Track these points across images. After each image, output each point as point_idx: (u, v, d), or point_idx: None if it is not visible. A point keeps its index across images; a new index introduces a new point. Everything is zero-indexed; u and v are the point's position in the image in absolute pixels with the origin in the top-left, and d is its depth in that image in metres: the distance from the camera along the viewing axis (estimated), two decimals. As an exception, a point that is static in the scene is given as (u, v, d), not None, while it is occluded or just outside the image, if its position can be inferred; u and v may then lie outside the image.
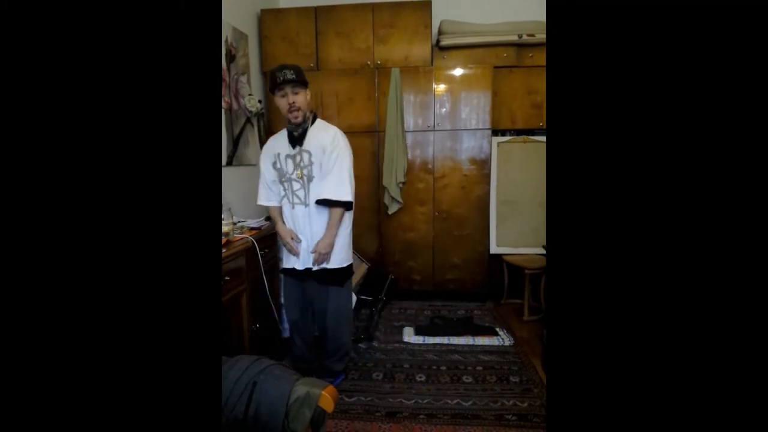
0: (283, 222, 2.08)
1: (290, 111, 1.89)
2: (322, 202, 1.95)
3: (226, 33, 2.74)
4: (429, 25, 3.20)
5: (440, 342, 2.67)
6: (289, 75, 1.84)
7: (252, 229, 2.21)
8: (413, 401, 2.04)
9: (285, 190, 2.01)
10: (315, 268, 2.01)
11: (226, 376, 1.18)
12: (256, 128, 3.17)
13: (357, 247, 3.41)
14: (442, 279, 3.41)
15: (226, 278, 1.82)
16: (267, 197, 2.10)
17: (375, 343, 2.67)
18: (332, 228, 1.97)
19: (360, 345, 2.64)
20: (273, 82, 1.88)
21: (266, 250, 2.24)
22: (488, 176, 3.31)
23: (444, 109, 3.25)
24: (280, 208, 2.09)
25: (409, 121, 3.27)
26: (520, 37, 3.21)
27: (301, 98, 1.89)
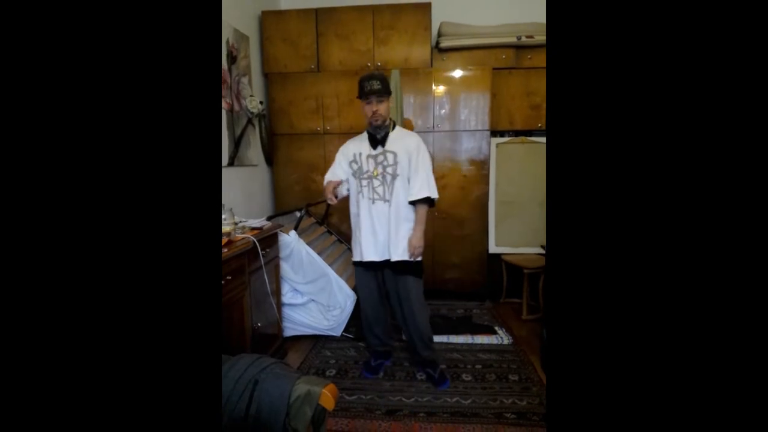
0: (353, 216, 2.24)
1: (373, 117, 2.09)
2: (415, 202, 2.11)
3: (227, 34, 2.75)
4: (429, 27, 3.21)
5: (440, 341, 2.68)
6: (376, 86, 2.03)
7: (253, 229, 2.23)
8: (413, 399, 2.06)
9: (363, 187, 2.15)
10: (395, 259, 2.13)
11: (227, 375, 1.18)
12: (257, 129, 3.19)
13: (357, 247, 3.43)
14: (442, 278, 3.43)
15: (228, 278, 1.84)
16: (330, 176, 2.24)
17: (375, 342, 2.70)
18: (421, 223, 2.14)
19: (360, 344, 2.67)
20: (361, 91, 2.07)
21: (267, 250, 2.26)
22: (487, 177, 3.32)
23: (443, 111, 3.27)
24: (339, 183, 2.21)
25: (409, 122, 3.29)
26: (518, 38, 3.23)
27: (384, 107, 2.10)
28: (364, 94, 2.06)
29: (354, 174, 2.18)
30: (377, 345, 2.37)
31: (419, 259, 2.18)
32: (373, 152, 2.15)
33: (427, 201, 2.13)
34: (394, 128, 2.19)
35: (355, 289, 2.72)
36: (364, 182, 2.15)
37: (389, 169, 2.12)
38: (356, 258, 2.24)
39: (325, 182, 2.22)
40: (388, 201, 2.12)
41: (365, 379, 2.27)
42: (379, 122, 2.09)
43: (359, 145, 2.20)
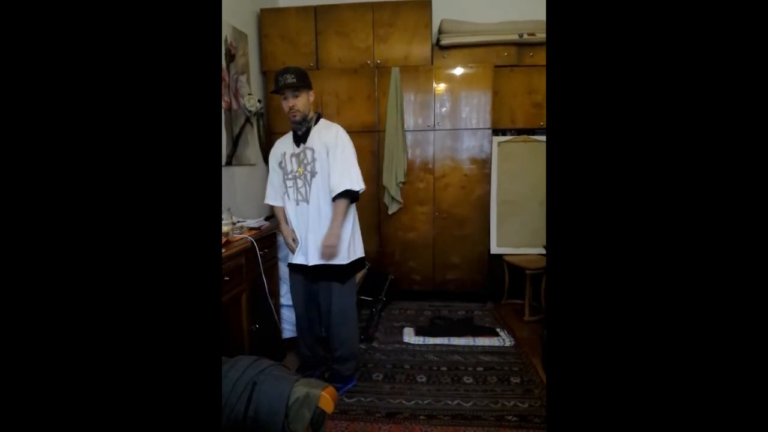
0: (287, 221, 2.16)
1: (290, 113, 1.99)
2: (337, 197, 1.97)
3: (225, 32, 2.73)
4: (429, 25, 3.19)
5: (440, 343, 2.66)
6: (290, 79, 1.92)
7: (251, 229, 2.20)
8: (413, 402, 2.03)
9: (289, 188, 2.09)
10: (322, 262, 2.04)
11: (226, 377, 1.18)
12: (255, 128, 3.17)
13: (357, 247, 3.41)
14: (443, 279, 3.40)
15: (226, 278, 1.81)
16: (272, 197, 2.21)
17: (375, 344, 2.67)
18: (336, 219, 2.00)
19: (360, 345, 2.64)
20: (275, 86, 1.96)
21: (266, 250, 2.24)
22: (489, 176, 3.30)
23: (444, 109, 3.25)
24: (284, 208, 2.17)
25: (409, 121, 3.27)
26: (520, 36, 3.20)
27: (302, 101, 1.98)
28: (278, 89, 1.95)
29: (282, 177, 2.12)
30: (306, 357, 2.30)
31: (344, 263, 2.05)
32: (296, 150, 2.06)
33: (348, 194, 1.98)
34: (317, 122, 2.08)
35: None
36: (290, 183, 2.08)
37: (308, 167, 2.03)
38: (289, 260, 2.20)
39: (267, 200, 2.21)
40: (308, 202, 2.05)
41: (365, 381, 2.23)
42: (297, 118, 1.98)
43: (285, 144, 2.12)
